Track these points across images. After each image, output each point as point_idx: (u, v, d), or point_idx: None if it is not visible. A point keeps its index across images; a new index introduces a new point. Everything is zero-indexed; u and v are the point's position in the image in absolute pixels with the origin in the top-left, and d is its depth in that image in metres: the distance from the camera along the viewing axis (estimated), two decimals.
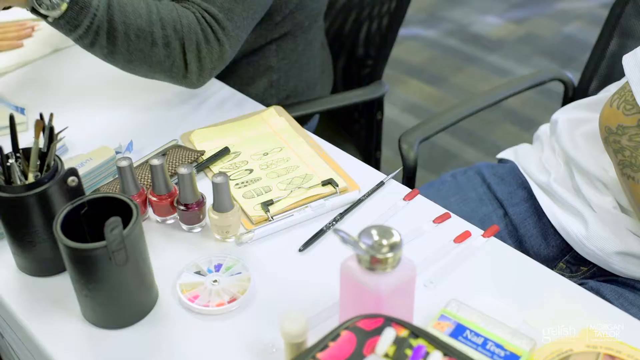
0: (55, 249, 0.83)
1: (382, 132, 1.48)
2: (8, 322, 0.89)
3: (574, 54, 2.93)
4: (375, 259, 0.66)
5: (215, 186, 0.84)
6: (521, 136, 2.47)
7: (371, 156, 1.50)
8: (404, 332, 0.65)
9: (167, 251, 0.88)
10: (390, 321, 0.66)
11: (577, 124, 1.07)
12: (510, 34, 3.11)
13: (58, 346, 0.78)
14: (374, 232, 0.67)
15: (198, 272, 0.83)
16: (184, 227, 0.90)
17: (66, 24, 0.96)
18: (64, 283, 0.84)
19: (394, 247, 0.66)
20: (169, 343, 0.77)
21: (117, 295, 0.76)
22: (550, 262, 1.09)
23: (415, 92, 2.74)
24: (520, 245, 1.10)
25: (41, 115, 0.79)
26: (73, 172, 0.75)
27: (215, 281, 0.82)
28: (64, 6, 0.93)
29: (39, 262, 0.85)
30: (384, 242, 0.66)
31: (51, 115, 0.79)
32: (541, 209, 1.08)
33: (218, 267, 0.84)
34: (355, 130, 1.54)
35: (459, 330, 0.74)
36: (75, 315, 0.80)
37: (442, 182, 1.19)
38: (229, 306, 0.79)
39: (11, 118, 0.80)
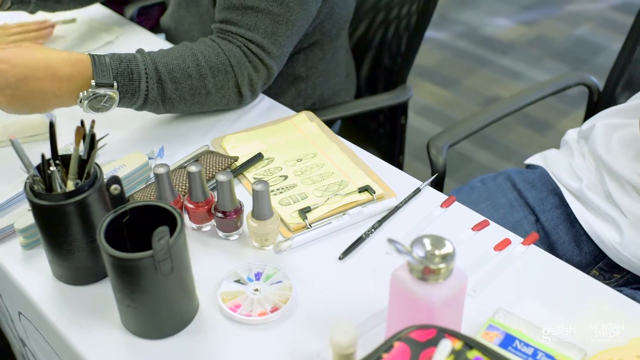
0: (93, 257, 0.83)
1: (405, 137, 1.47)
2: (41, 330, 0.88)
3: (586, 56, 2.93)
4: (429, 269, 0.65)
5: (255, 194, 0.83)
6: (535, 139, 2.46)
7: (394, 161, 1.49)
8: (457, 344, 0.64)
9: (205, 259, 0.87)
10: (443, 332, 0.65)
11: (614, 129, 1.06)
12: (520, 36, 3.11)
13: (99, 356, 0.76)
14: (426, 241, 0.66)
15: (238, 281, 0.82)
16: (221, 234, 0.89)
17: (124, 105, 1.02)
18: (101, 292, 0.84)
19: (447, 257, 0.65)
20: (212, 353, 0.76)
21: (161, 306, 0.75)
22: (582, 269, 1.07)
23: (428, 95, 2.73)
24: (553, 252, 1.09)
25: (82, 122, 0.78)
26: (116, 180, 0.74)
27: (256, 290, 0.81)
28: (115, 96, 0.98)
29: (77, 270, 0.84)
30: (438, 252, 0.65)
31: (92, 122, 0.78)
32: (573, 215, 1.07)
33: (258, 276, 0.83)
34: (377, 135, 1.54)
35: (508, 341, 0.73)
36: (115, 324, 0.79)
37: (471, 187, 1.19)
38: (272, 315, 0.78)
39: (51, 125, 0.79)
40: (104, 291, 0.83)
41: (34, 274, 0.87)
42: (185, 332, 0.78)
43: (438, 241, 0.66)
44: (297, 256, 0.87)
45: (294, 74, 1.27)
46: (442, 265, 0.65)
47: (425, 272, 0.66)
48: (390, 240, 0.65)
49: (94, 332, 0.79)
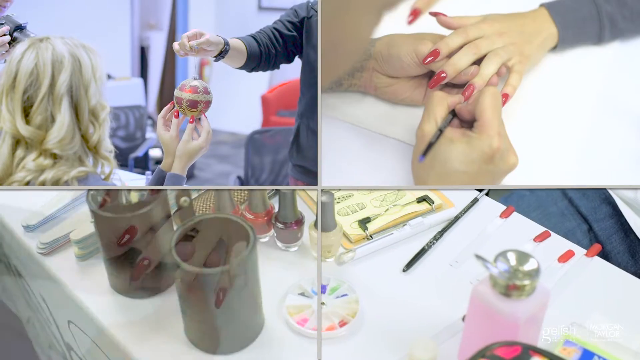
0: (154, 269, 0.81)
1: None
2: (97, 341, 0.87)
3: None
4: (514, 285, 0.64)
5: (321, 205, 0.81)
6: None
7: None
8: None
9: (266, 271, 0.85)
10: (528, 349, 0.64)
11: None
12: None
13: None
14: (511, 256, 0.65)
15: (302, 294, 0.81)
16: (280, 245, 0.88)
17: None
18: (161, 304, 0.82)
19: (533, 273, 0.64)
20: None
21: (232, 320, 0.73)
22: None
23: None
24: (606, 261, 1.07)
25: None
26: (185, 192, 0.73)
27: (322, 303, 0.79)
28: None
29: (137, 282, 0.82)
30: (523, 268, 0.64)
31: None
32: (628, 224, 1.06)
33: (323, 289, 0.81)
34: None
35: (586, 356, 0.71)
36: (178, 337, 0.78)
37: (520, 196, 1.17)
38: (341, 330, 0.76)
39: None
40: (164, 304, 0.82)
41: (91, 285, 0.85)
42: (253, 346, 0.76)
43: (523, 256, 0.65)
44: (359, 268, 0.86)
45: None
46: (527, 282, 0.64)
47: (510, 288, 0.64)
48: (478, 257, 0.63)
49: (157, 345, 0.78)
